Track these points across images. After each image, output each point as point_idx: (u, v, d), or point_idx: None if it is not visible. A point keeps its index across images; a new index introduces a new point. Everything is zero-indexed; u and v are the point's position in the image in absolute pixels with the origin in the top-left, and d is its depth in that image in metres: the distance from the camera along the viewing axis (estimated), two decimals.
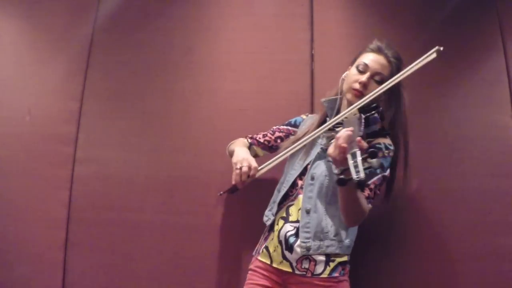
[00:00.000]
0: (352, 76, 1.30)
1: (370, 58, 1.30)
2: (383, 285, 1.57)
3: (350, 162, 0.95)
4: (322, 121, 1.36)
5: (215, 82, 1.82)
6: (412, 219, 1.61)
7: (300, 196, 1.30)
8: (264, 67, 1.80)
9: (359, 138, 0.98)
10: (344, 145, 0.99)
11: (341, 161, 1.01)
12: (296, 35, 1.83)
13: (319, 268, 1.24)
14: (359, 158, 0.94)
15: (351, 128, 1.03)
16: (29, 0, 2.00)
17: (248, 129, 1.61)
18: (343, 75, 1.38)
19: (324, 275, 1.23)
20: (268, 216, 1.39)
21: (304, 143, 1.31)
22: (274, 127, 1.52)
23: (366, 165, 0.93)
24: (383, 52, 1.31)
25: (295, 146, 1.32)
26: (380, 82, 1.27)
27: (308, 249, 1.24)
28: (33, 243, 1.72)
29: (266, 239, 1.37)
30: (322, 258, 1.24)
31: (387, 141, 1.26)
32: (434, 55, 1.19)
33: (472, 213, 1.60)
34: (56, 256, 1.70)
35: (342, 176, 0.96)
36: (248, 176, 1.30)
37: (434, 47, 1.78)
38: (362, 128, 1.14)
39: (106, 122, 1.83)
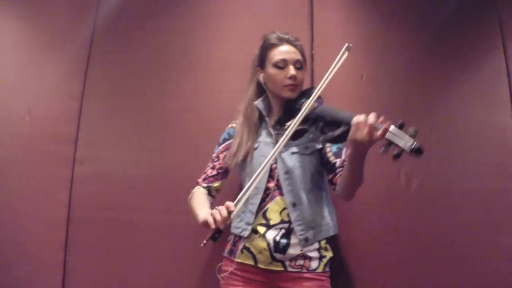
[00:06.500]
0: (277, 75, 1.31)
1: (281, 52, 1.32)
2: (383, 285, 1.57)
3: (392, 136, 0.98)
4: (261, 122, 1.38)
5: (215, 82, 1.82)
6: (411, 219, 1.61)
7: (277, 198, 1.30)
8: None
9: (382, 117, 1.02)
10: (387, 125, 1.00)
11: (372, 142, 1.03)
12: (296, 35, 1.82)
13: (314, 264, 1.27)
14: (397, 130, 0.98)
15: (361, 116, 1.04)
16: (29, 0, 2.00)
17: None
18: (259, 79, 1.38)
19: (319, 270, 1.27)
20: (241, 227, 1.31)
21: (281, 146, 1.19)
22: (214, 154, 1.44)
23: (407, 134, 0.98)
24: (286, 40, 1.34)
25: (273, 154, 1.18)
26: (300, 68, 1.33)
27: (306, 239, 1.26)
28: (33, 243, 1.72)
29: (242, 238, 1.32)
30: (316, 255, 1.28)
31: None
32: (346, 53, 1.22)
33: (472, 213, 1.60)
34: (56, 256, 1.70)
35: (396, 152, 0.98)
36: (228, 214, 1.13)
37: (434, 47, 1.80)
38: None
39: (106, 122, 1.83)
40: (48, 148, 1.81)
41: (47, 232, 1.72)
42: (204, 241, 1.14)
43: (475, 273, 1.54)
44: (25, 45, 1.96)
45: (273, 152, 1.18)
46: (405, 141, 0.97)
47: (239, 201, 1.16)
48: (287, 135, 1.18)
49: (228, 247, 1.37)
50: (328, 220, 1.32)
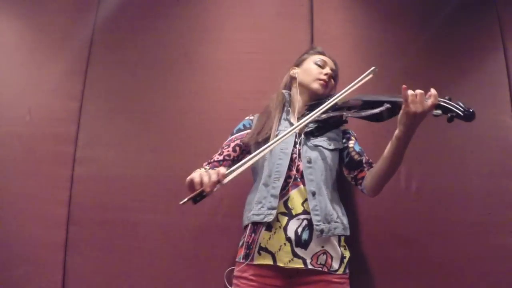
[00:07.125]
0: (314, 70, 1.42)
1: (323, 57, 1.46)
2: (383, 285, 1.57)
3: (444, 103, 1.07)
4: (282, 112, 1.43)
5: (215, 82, 1.82)
6: (412, 219, 1.61)
7: (301, 187, 1.29)
8: (264, 67, 1.81)
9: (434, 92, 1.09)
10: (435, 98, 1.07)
11: (426, 111, 1.08)
12: (296, 35, 1.83)
13: (335, 264, 1.26)
14: (447, 101, 1.07)
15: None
16: (29, 0, 2.00)
17: None
18: (291, 73, 1.47)
19: (340, 272, 1.26)
20: (263, 213, 1.27)
21: (294, 130, 1.23)
22: (225, 142, 1.44)
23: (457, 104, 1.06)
24: (327, 54, 1.48)
25: (280, 139, 1.19)
26: (334, 78, 1.46)
27: (321, 231, 1.24)
28: (33, 243, 1.72)
29: (255, 239, 1.27)
30: (338, 253, 1.27)
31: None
32: (371, 75, 1.28)
33: (472, 213, 1.60)
34: (56, 256, 1.70)
35: (450, 115, 1.05)
36: (218, 179, 1.09)
37: (434, 47, 1.80)
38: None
39: (106, 122, 1.83)
40: (48, 148, 1.81)
41: (47, 232, 1.72)
42: (185, 200, 1.06)
43: (475, 273, 1.54)
44: (25, 45, 1.96)
45: (294, 127, 1.22)
46: (457, 108, 1.05)
47: (232, 171, 1.11)
48: (311, 115, 1.23)
49: (242, 252, 1.30)
50: (342, 220, 1.32)
